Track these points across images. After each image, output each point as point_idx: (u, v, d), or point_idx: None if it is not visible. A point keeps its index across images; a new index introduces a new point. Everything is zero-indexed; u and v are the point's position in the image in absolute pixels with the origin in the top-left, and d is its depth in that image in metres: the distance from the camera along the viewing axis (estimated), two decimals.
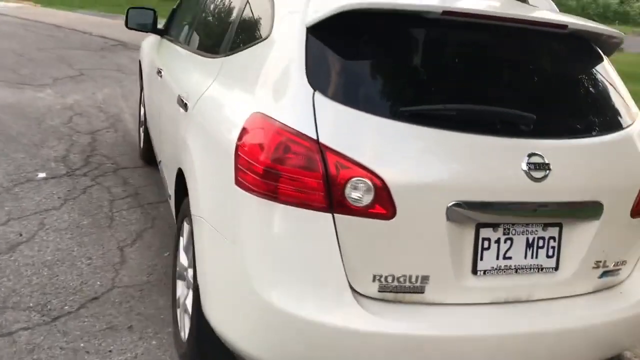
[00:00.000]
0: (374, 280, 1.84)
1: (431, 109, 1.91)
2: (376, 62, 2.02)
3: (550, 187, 1.91)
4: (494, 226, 1.92)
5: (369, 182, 1.78)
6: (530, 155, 1.90)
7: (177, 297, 2.74)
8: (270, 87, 2.03)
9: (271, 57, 2.11)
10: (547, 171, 1.91)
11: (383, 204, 1.79)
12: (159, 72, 3.53)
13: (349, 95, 1.89)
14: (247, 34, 2.43)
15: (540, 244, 1.98)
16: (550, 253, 2.00)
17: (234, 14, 2.65)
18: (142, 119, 4.91)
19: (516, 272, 1.96)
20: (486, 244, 1.92)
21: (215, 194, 2.07)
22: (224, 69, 2.44)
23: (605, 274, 2.10)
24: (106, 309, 2.93)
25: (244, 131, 1.96)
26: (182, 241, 2.69)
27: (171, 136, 2.82)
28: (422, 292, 1.88)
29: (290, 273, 1.82)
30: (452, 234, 1.86)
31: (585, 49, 2.26)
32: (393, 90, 2.00)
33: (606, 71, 2.27)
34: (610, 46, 2.31)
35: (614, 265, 2.11)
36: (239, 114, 2.06)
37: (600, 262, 2.07)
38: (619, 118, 2.18)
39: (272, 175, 1.82)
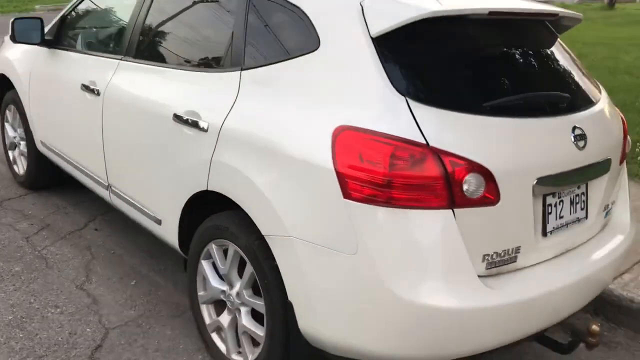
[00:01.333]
0: (483, 260, 2.06)
1: (505, 101, 2.15)
2: (446, 63, 2.18)
3: (587, 152, 2.30)
4: (553, 193, 2.25)
5: (480, 175, 1.98)
6: (573, 129, 2.26)
7: (208, 323, 2.66)
8: (348, 99, 2.08)
9: (334, 68, 2.15)
10: (586, 140, 2.28)
11: (491, 192, 2.01)
12: (91, 89, 3.21)
13: (436, 97, 2.05)
14: (272, 45, 2.38)
15: (577, 200, 2.37)
16: (582, 206, 2.40)
17: (232, 24, 2.55)
18: (18, 140, 4.37)
19: (567, 226, 2.33)
20: (549, 209, 2.25)
21: (307, 211, 2.08)
22: (250, 83, 2.37)
23: (606, 214, 2.58)
24: (121, 354, 2.71)
25: (339, 146, 2.00)
26: (206, 268, 2.60)
27: (174, 159, 2.64)
28: (516, 261, 2.16)
29: (423, 270, 1.96)
30: (534, 207, 2.15)
31: (552, 33, 2.67)
32: (470, 87, 2.19)
33: (567, 49, 2.71)
34: (567, 27, 2.75)
35: (610, 205, 2.60)
36: (314, 129, 2.08)
37: (607, 205, 2.54)
38: (596, 87, 2.65)
39: (393, 184, 1.92)
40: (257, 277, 2.34)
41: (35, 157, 4.18)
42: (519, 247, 2.16)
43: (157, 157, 2.77)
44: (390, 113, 2.00)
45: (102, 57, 3.31)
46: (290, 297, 2.19)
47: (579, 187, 2.38)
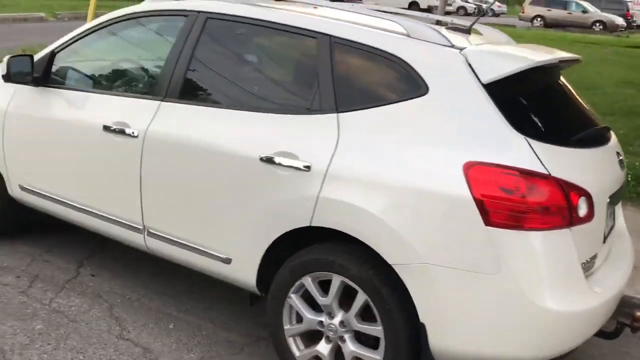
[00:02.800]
0: (582, 267, 2.48)
1: (583, 135, 2.60)
2: (540, 104, 2.57)
3: (623, 172, 2.84)
4: (610, 205, 2.75)
5: (586, 198, 2.39)
6: (617, 154, 2.78)
7: (298, 355, 2.76)
8: (469, 138, 2.37)
9: (448, 111, 2.43)
10: (622, 162, 2.82)
11: (591, 211, 2.43)
12: (120, 130, 3.10)
13: (543, 133, 2.44)
14: (369, 89, 2.58)
15: (610, 210, 2.90)
16: (613, 215, 2.94)
17: (315, 67, 2.68)
18: None
19: (610, 233, 2.85)
20: (610, 219, 2.75)
21: (444, 239, 2.33)
22: (352, 125, 2.54)
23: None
24: None
25: (473, 179, 2.28)
26: (297, 301, 2.71)
27: (260, 198, 2.70)
28: (593, 266, 2.60)
29: (556, 280, 2.32)
30: (606, 219, 2.62)
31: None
32: (559, 124, 2.60)
33: None
34: None
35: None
36: (443, 165, 2.35)
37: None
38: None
39: (528, 210, 2.26)
40: (374, 304, 2.52)
41: (3, 203, 3.83)
42: (596, 254, 2.61)
43: (234, 198, 2.80)
44: (514, 149, 2.34)
45: (132, 97, 3.21)
46: (422, 319, 2.41)
47: (610, 202, 2.91)
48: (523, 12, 31.67)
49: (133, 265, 3.83)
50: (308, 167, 2.59)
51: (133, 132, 3.09)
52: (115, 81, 3.47)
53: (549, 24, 30.06)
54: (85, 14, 8.03)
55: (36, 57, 3.56)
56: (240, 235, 2.83)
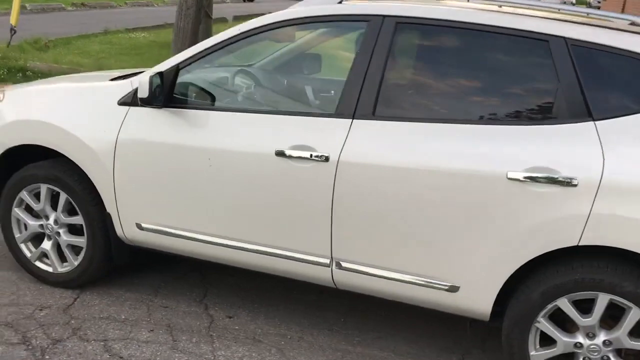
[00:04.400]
0: None
1: None
2: None
3: None
4: None
5: None
6: None
7: None
8: None
9: None
10: None
11: None
12: (298, 156, 2.74)
13: None
14: (629, 94, 2.46)
15: None
16: None
17: (552, 73, 2.51)
18: (54, 229, 3.36)
19: None
20: None
21: None
22: (616, 133, 2.41)
23: None
24: None
25: None
26: (549, 325, 2.57)
27: (509, 220, 2.48)
28: None
29: None
30: None
31: None
32: None
33: None
34: None
35: None
36: None
37: None
38: None
39: None
40: None
41: (110, 244, 3.28)
42: None
43: (471, 221, 2.56)
44: None
45: (307, 117, 2.84)
46: None
47: None
48: None
49: (256, 298, 3.46)
50: (575, 183, 2.42)
51: (322, 156, 2.73)
52: (275, 99, 3.05)
53: None
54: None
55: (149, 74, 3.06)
56: (476, 260, 2.60)
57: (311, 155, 2.75)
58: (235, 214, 2.95)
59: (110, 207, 3.19)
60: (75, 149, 3.16)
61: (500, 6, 2.93)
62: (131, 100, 3.09)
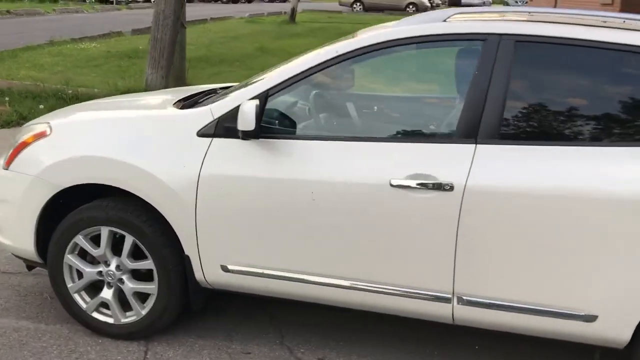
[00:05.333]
0: None
1: None
2: None
3: None
4: None
5: None
6: None
7: None
8: None
9: None
10: None
11: None
12: (417, 185, 2.54)
13: None
14: None
15: None
16: None
17: None
18: (116, 276, 3.01)
19: None
20: None
21: None
22: None
23: None
24: None
25: None
26: None
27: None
28: None
29: None
30: None
31: None
32: None
33: None
34: None
35: None
36: None
37: None
38: None
39: None
40: None
41: (185, 289, 2.97)
42: None
43: (614, 249, 2.44)
44: None
45: (420, 143, 2.64)
46: None
47: None
48: None
49: (335, 334, 3.20)
50: None
51: (446, 185, 2.54)
52: (383, 125, 2.83)
53: (367, 7, 31.59)
54: None
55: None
56: (616, 287, 2.48)
57: (434, 185, 2.55)
58: (344, 251, 2.70)
59: (189, 249, 2.87)
60: (149, 187, 2.83)
61: (604, 22, 2.84)
62: (214, 131, 2.79)
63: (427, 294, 2.67)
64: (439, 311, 2.70)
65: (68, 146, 2.98)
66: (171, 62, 7.91)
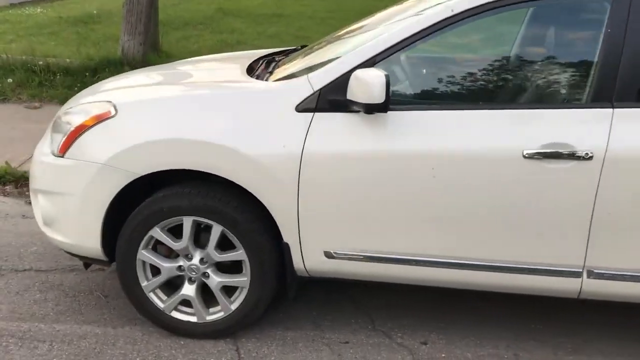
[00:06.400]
0: None
1: None
2: None
3: None
4: None
5: None
6: None
7: None
8: None
9: None
10: None
11: None
12: (552, 153, 2.35)
13: None
14: None
15: None
16: None
17: None
18: (199, 270, 2.71)
19: None
20: None
21: None
22: None
23: None
24: None
25: None
26: None
27: None
28: None
29: None
30: None
31: None
32: None
33: None
34: None
35: None
36: None
37: None
38: None
39: None
40: None
41: (282, 279, 2.70)
42: None
43: None
44: None
45: (550, 109, 2.43)
46: None
47: None
48: None
49: (429, 316, 3.02)
50: None
51: (585, 154, 2.35)
52: (507, 91, 2.58)
53: None
54: None
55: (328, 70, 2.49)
56: None
57: (573, 154, 2.36)
58: (469, 229, 2.50)
59: (289, 236, 2.59)
60: (244, 170, 2.51)
61: None
62: (315, 104, 2.49)
63: (556, 269, 2.51)
64: (566, 286, 2.54)
65: (143, 128, 2.61)
66: (149, 27, 7.33)
